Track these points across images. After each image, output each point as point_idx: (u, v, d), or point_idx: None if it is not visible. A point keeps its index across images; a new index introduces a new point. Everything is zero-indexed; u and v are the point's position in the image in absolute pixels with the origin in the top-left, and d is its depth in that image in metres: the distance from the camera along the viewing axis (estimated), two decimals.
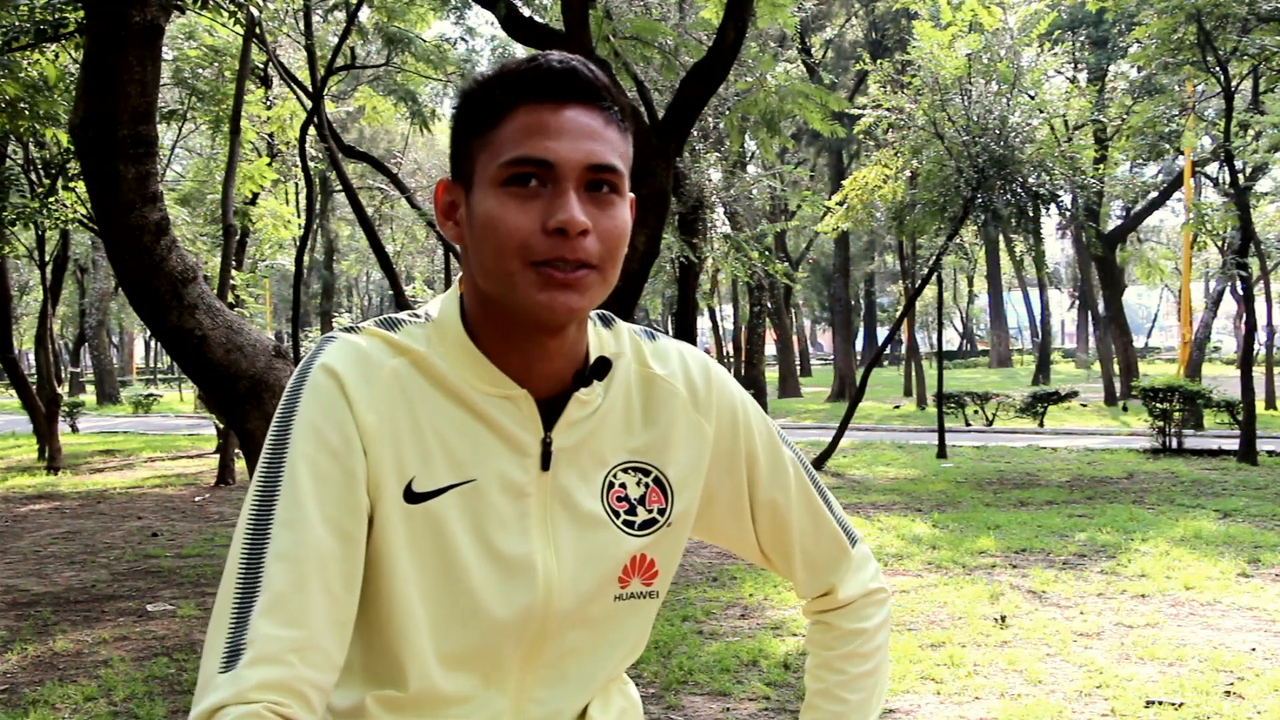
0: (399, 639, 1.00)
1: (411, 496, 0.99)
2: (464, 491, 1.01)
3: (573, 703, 1.09)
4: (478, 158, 0.98)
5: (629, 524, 1.08)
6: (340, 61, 13.60)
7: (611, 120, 0.99)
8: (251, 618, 0.91)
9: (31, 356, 25.33)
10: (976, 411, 19.93)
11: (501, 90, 0.97)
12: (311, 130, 12.51)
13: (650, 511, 1.09)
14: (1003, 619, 5.47)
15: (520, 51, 23.84)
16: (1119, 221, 25.21)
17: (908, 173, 13.57)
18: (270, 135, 14.98)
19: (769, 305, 25.99)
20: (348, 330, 1.03)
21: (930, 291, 27.92)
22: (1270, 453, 13.25)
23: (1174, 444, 13.82)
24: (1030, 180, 12.71)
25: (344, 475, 0.96)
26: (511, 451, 1.03)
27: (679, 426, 1.11)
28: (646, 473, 1.09)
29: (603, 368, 1.06)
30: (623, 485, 1.08)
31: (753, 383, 23.60)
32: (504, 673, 1.05)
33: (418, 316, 1.06)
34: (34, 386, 15.31)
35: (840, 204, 14.97)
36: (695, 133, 13.93)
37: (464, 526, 1.00)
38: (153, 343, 49.99)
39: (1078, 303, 45.38)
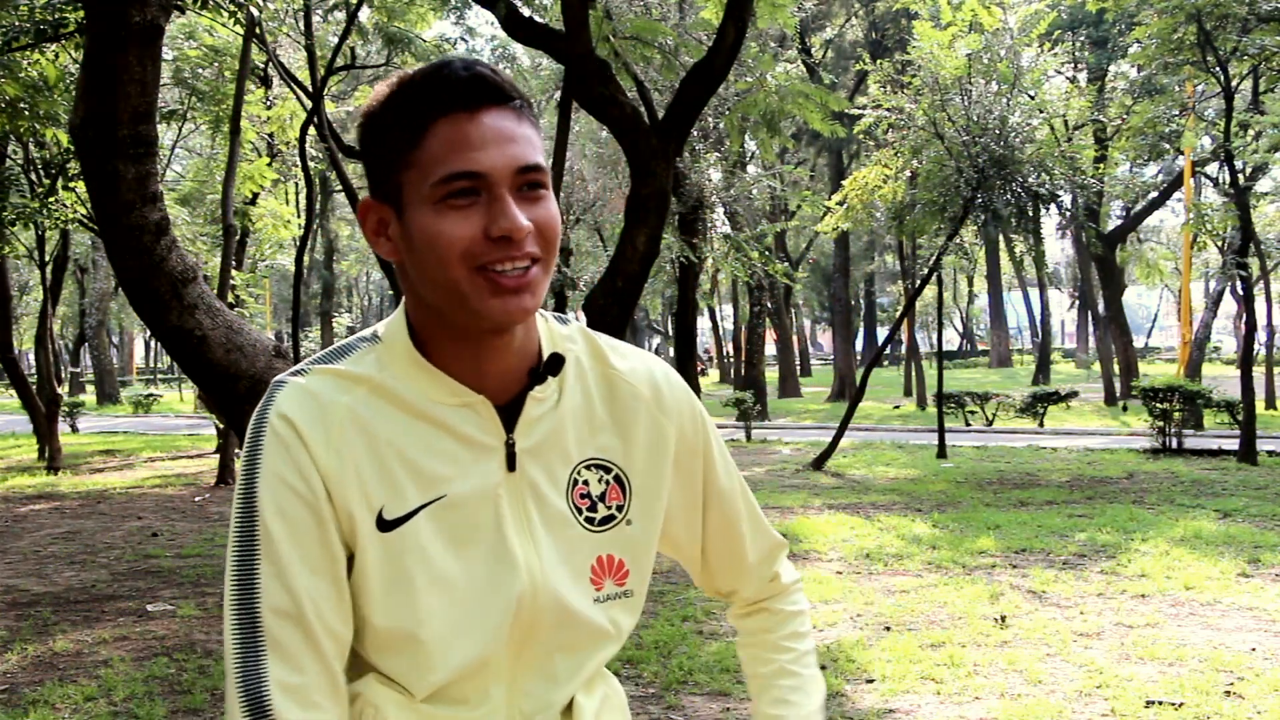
0: (400, 654, 1.04)
1: (384, 525, 1.02)
2: (435, 509, 1.03)
3: (561, 694, 1.12)
4: (403, 178, 0.99)
5: (590, 520, 1.10)
6: (340, 61, 13.60)
7: (524, 116, 1.01)
8: (264, 675, 0.97)
9: (31, 356, 25.33)
10: (974, 412, 19.92)
11: (413, 107, 0.98)
12: (311, 130, 12.51)
13: (609, 508, 1.12)
14: (1003, 619, 5.47)
15: (520, 51, 23.80)
16: (1119, 221, 25.21)
17: (908, 173, 13.57)
18: (270, 135, 14.98)
19: (769, 305, 25.97)
20: (295, 374, 1.05)
21: (930, 291, 27.91)
22: (1270, 453, 13.25)
23: (1174, 444, 13.81)
24: (1030, 180, 12.71)
25: (315, 520, 1.00)
26: (477, 458, 1.05)
27: (641, 426, 1.14)
28: (608, 470, 1.12)
29: (556, 363, 1.08)
30: (585, 482, 1.11)
31: (753, 383, 23.58)
32: (498, 668, 1.07)
33: (366, 340, 1.08)
34: (34, 386, 15.32)
35: (840, 204, 14.97)
36: (695, 133, 13.94)
37: (442, 542, 1.03)
38: (153, 343, 49.99)
39: (1078, 303, 45.38)
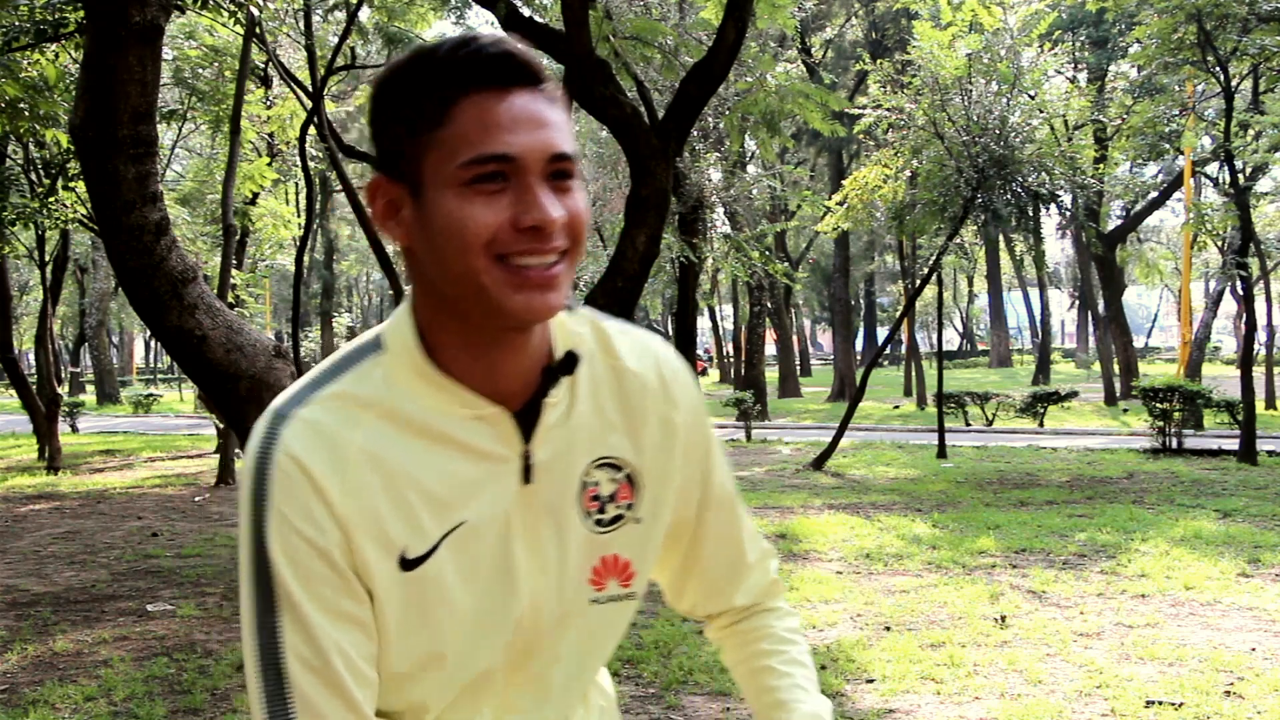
0: (410, 684, 1.00)
1: (406, 565, 0.96)
2: (455, 537, 0.98)
3: (554, 712, 1.09)
4: (425, 157, 0.91)
5: (599, 522, 1.05)
6: (340, 61, 13.59)
7: (553, 100, 0.94)
8: None
9: (31, 356, 25.32)
10: (973, 410, 19.92)
11: (438, 81, 0.91)
12: (311, 130, 12.50)
13: (619, 508, 1.06)
14: (1003, 619, 5.47)
15: None
16: (1119, 221, 25.21)
17: (908, 173, 13.56)
18: (270, 135, 14.97)
19: (769, 305, 25.98)
20: (297, 402, 0.97)
21: (930, 291, 27.92)
22: (1270, 453, 13.25)
23: (1174, 444, 13.81)
24: (1030, 180, 12.71)
25: (332, 568, 0.94)
26: (491, 475, 0.99)
27: (651, 419, 1.08)
28: (619, 469, 1.06)
29: (570, 363, 1.01)
30: (595, 484, 1.05)
31: (753, 383, 23.58)
32: (493, 688, 1.04)
33: (369, 349, 1.00)
34: (34, 386, 15.32)
35: (840, 204, 14.97)
36: (695, 133, 13.94)
37: (461, 572, 0.98)
38: (153, 343, 49.98)
39: (1078, 303, 45.38)
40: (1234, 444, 13.19)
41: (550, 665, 1.06)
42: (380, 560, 0.95)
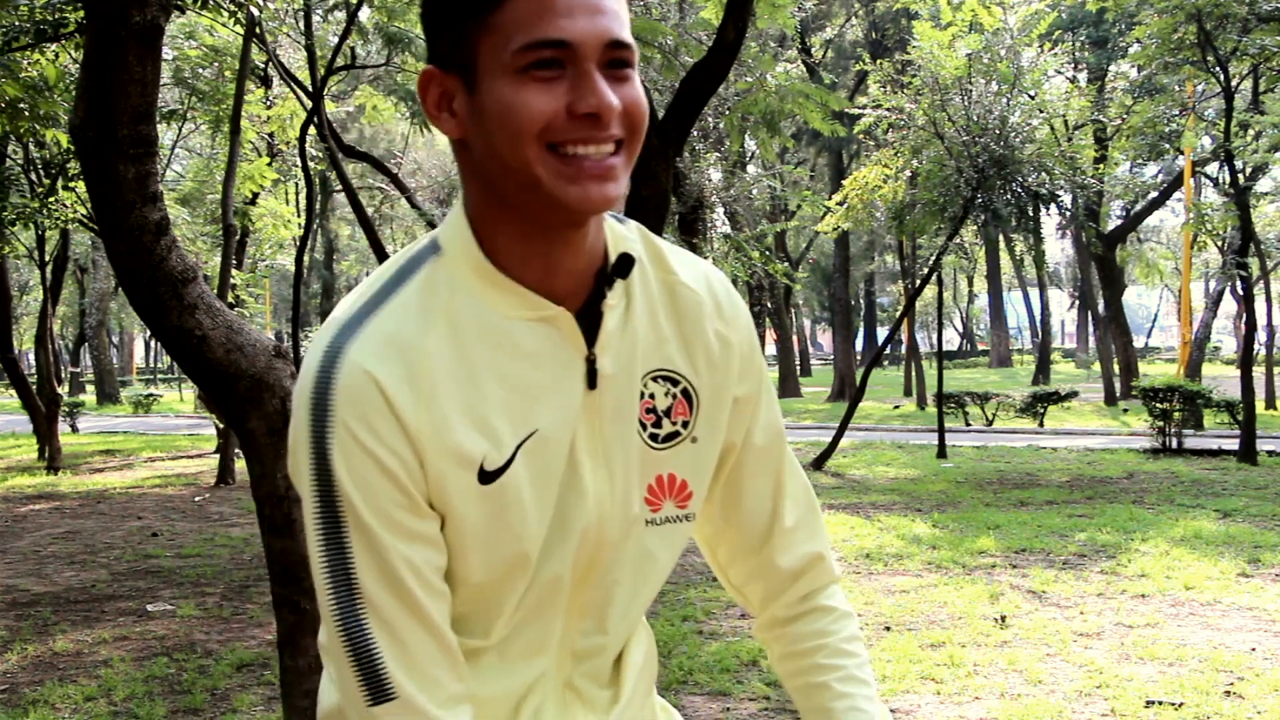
0: (490, 593, 0.98)
1: (485, 477, 0.94)
2: (530, 447, 0.95)
3: (614, 638, 1.07)
4: (479, 43, 0.89)
5: (654, 437, 1.02)
6: (340, 61, 13.59)
7: None
8: (378, 657, 0.91)
9: (31, 356, 25.32)
10: (973, 410, 19.91)
11: None
12: (311, 130, 12.50)
13: (675, 424, 1.03)
14: (1003, 619, 5.47)
15: None
16: (1119, 221, 25.20)
17: (908, 173, 13.56)
18: (270, 135, 14.97)
19: (769, 305, 25.99)
20: (362, 313, 0.93)
21: (930, 291, 27.91)
22: (1270, 453, 13.24)
23: (1174, 444, 13.81)
24: (1030, 180, 12.71)
25: (399, 489, 0.91)
26: (559, 380, 0.96)
27: (707, 335, 1.05)
28: (675, 383, 1.03)
29: (626, 265, 0.99)
30: (651, 396, 1.02)
31: None
32: (558, 603, 1.02)
33: (426, 252, 0.97)
34: (34, 386, 15.32)
35: (840, 204, 14.97)
36: (695, 133, 13.93)
37: (534, 481, 0.96)
38: (153, 343, 49.99)
39: (1078, 303, 45.37)
40: (1234, 444, 13.19)
41: (612, 586, 1.04)
42: (457, 474, 0.93)
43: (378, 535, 0.90)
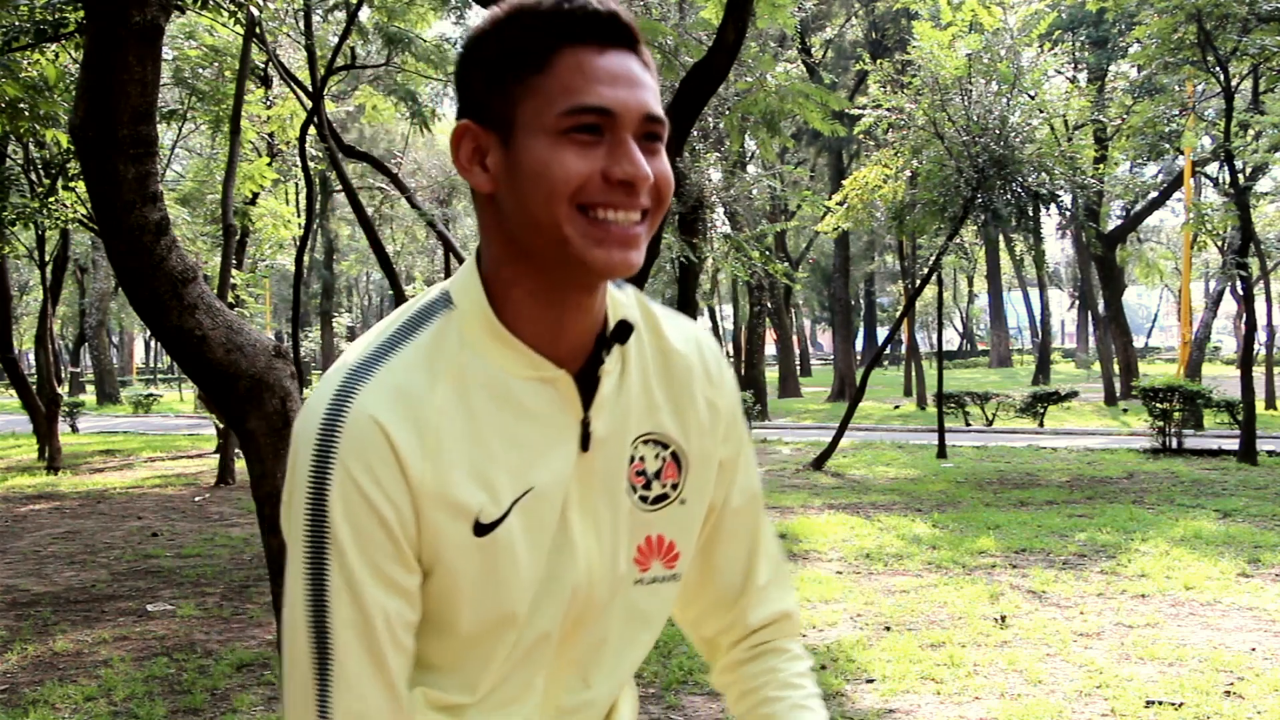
0: (476, 646, 1.00)
1: (480, 530, 0.95)
2: (525, 503, 0.97)
3: (601, 695, 1.08)
4: (520, 102, 0.92)
5: (644, 499, 1.05)
6: (340, 61, 13.60)
7: (647, 65, 0.96)
8: (329, 701, 0.93)
9: (31, 356, 25.33)
10: (973, 410, 19.92)
11: (541, 30, 0.92)
12: (311, 130, 12.51)
13: (665, 486, 1.06)
14: (1003, 619, 5.47)
15: None
16: (1119, 221, 25.21)
17: (908, 173, 13.56)
18: (270, 135, 14.97)
19: (769, 305, 25.99)
20: (372, 360, 0.95)
21: (930, 291, 27.93)
22: (1270, 453, 13.25)
23: (1174, 444, 13.81)
24: (1030, 180, 12.71)
25: (389, 537, 0.92)
26: (555, 441, 0.99)
27: (696, 400, 1.08)
28: (665, 446, 1.06)
29: (625, 331, 1.02)
30: (642, 459, 1.05)
31: (752, 383, 23.59)
32: (543, 660, 1.03)
33: (438, 304, 1.00)
34: (34, 386, 15.32)
35: (840, 204, 14.97)
36: (695, 133, 13.93)
37: (528, 537, 0.98)
38: (153, 343, 50.01)
39: (1078, 303, 45.38)
40: (1234, 444, 13.20)
41: (598, 644, 1.06)
42: (452, 526, 0.94)
43: (359, 580, 0.92)
